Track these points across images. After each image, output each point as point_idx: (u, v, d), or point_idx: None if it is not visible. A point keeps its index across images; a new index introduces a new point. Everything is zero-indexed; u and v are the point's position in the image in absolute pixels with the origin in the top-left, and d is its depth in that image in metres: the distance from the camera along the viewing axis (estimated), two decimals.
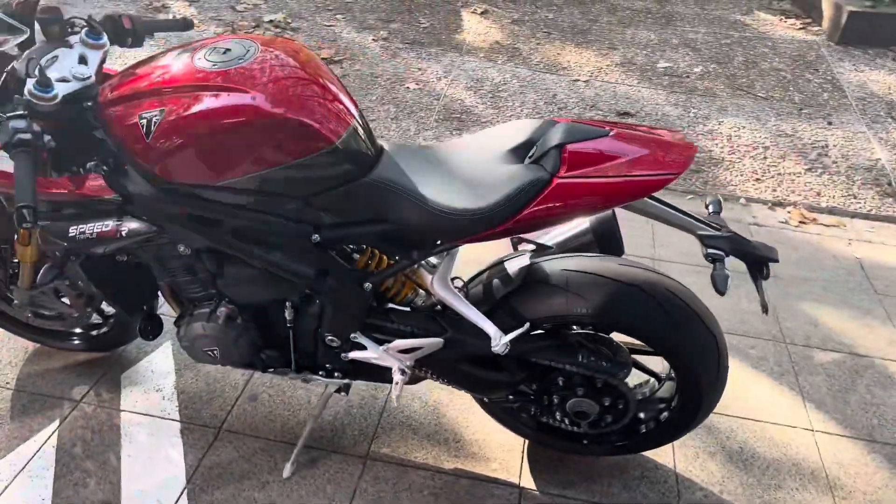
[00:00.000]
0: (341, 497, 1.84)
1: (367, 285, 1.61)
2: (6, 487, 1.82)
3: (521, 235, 1.81)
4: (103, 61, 1.64)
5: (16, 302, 1.92)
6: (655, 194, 1.53)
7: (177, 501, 1.80)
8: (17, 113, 1.38)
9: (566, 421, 1.80)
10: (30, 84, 1.43)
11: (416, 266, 1.64)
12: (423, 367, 1.75)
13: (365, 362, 1.74)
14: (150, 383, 2.13)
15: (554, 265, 1.63)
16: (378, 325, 1.70)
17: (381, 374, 1.78)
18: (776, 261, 1.51)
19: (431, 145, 1.64)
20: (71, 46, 1.59)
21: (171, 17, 4.65)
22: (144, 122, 1.44)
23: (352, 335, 1.69)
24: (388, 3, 5.17)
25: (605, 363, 1.67)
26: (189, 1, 4.96)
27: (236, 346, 1.73)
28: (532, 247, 1.77)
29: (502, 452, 1.98)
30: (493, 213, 1.44)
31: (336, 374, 1.81)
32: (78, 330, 2.13)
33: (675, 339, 1.61)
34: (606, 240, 1.74)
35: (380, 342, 1.71)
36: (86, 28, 1.61)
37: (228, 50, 1.49)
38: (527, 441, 2.00)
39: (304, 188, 1.49)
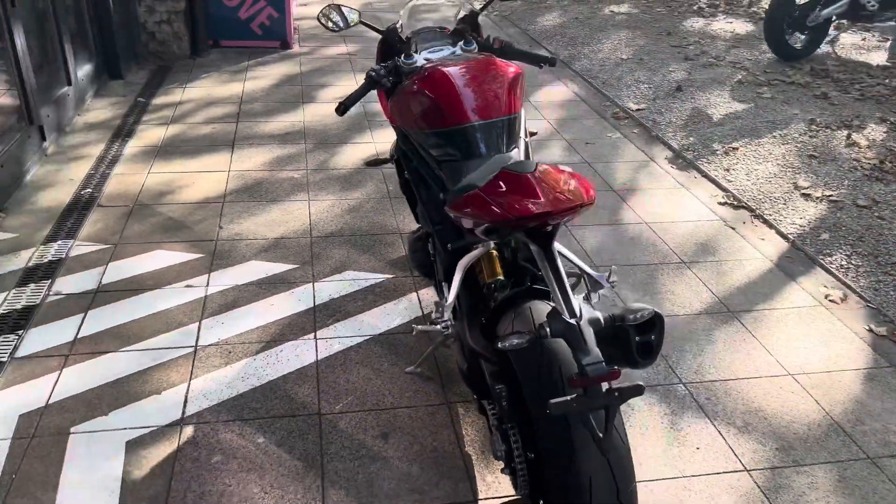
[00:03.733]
0: (407, 408, 2.37)
1: (449, 246, 2.09)
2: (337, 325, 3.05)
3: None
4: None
5: None
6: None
7: (361, 339, 2.69)
8: (384, 65, 2.43)
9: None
10: (403, 56, 2.46)
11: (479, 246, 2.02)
12: None
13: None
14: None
15: (541, 306, 1.73)
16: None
17: None
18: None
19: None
20: (454, 45, 2.53)
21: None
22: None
23: (443, 282, 2.18)
24: None
25: (498, 421, 1.71)
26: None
27: (414, 258, 2.44)
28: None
29: None
30: (444, 200, 1.76)
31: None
32: None
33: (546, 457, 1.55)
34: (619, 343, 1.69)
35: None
36: (464, 40, 2.51)
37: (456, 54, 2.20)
38: None
39: (437, 154, 2.09)
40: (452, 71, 2.12)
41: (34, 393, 2.32)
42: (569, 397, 1.39)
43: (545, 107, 5.28)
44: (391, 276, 3.08)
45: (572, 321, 1.45)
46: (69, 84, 4.51)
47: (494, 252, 2.05)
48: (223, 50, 6.22)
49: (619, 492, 1.49)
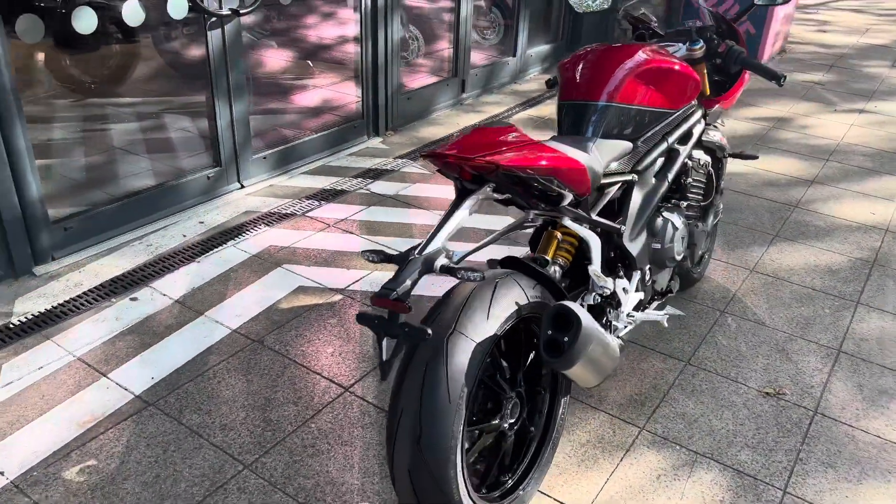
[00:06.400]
0: None
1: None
2: None
3: None
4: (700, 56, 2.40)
5: None
6: None
7: None
8: None
9: None
10: None
11: None
12: None
13: None
14: None
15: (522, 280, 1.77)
16: None
17: None
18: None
19: None
20: (684, 43, 2.41)
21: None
22: None
23: None
24: None
25: None
26: None
27: None
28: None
29: None
30: None
31: None
32: None
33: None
34: None
35: None
36: (690, 41, 2.37)
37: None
38: None
39: (558, 127, 2.17)
40: (591, 51, 2.15)
41: (290, 237, 3.22)
42: (374, 314, 1.51)
43: None
44: None
45: (412, 256, 1.53)
46: (513, 56, 5.40)
47: (558, 234, 2.07)
48: None
49: (420, 435, 1.53)
